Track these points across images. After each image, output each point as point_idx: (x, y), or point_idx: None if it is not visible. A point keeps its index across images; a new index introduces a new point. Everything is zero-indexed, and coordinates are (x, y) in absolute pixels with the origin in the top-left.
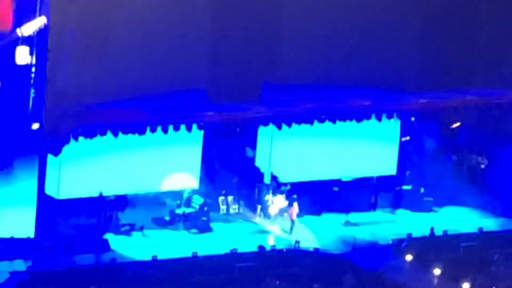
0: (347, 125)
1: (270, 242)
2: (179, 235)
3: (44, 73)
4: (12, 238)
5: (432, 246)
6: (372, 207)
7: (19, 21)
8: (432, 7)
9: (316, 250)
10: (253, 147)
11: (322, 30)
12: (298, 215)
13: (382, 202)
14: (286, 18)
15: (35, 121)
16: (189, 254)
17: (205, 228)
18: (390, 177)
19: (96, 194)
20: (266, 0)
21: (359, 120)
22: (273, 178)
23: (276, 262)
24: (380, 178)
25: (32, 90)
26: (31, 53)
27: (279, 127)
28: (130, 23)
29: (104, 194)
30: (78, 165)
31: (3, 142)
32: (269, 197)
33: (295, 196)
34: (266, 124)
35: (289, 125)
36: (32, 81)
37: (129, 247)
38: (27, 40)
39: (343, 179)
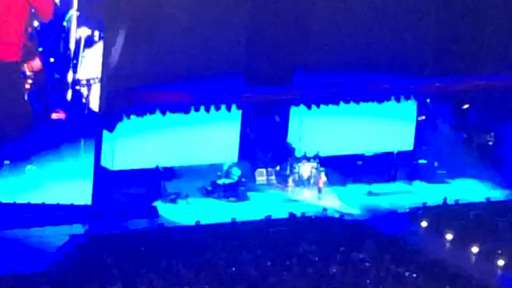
0: (369, 106)
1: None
2: (220, 203)
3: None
4: (71, 205)
5: (444, 214)
6: (392, 178)
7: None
8: (448, 3)
9: (342, 216)
10: (286, 126)
11: (348, 23)
12: (326, 185)
13: (401, 174)
14: (315, 11)
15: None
16: (228, 220)
17: (242, 197)
18: (407, 152)
19: (146, 166)
20: None
21: (380, 101)
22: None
23: (305, 227)
24: (399, 153)
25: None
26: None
27: (309, 108)
28: (175, 15)
29: (154, 166)
30: (130, 140)
31: (65, 120)
32: (300, 169)
33: (322, 168)
34: (297, 104)
35: (318, 105)
36: None
37: (175, 213)
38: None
39: (366, 154)
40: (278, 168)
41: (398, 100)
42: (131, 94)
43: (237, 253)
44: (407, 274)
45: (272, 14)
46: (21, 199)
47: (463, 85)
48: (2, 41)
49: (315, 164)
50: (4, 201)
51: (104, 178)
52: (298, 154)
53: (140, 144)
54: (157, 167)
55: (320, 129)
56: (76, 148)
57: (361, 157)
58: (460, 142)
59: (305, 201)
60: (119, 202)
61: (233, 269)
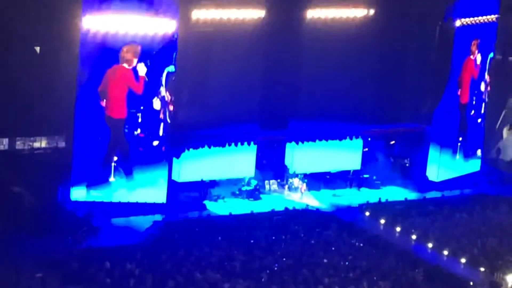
0: (334, 142)
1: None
2: (243, 201)
3: (169, 113)
4: (154, 203)
5: (380, 207)
6: (348, 186)
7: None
8: (381, 78)
9: (318, 209)
10: (283, 154)
11: (320, 95)
12: (307, 190)
13: (353, 183)
14: (301, 88)
15: (165, 141)
16: (249, 212)
17: (257, 198)
18: (357, 170)
19: (199, 179)
20: (288, 74)
21: (340, 139)
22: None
23: (295, 215)
24: (353, 171)
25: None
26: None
27: (297, 143)
28: (214, 84)
29: (203, 179)
30: (189, 163)
31: (151, 153)
32: (291, 180)
33: (305, 180)
34: (290, 141)
35: (303, 142)
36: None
37: (216, 208)
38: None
39: (332, 171)
40: (279, 180)
41: (351, 138)
42: (189, 135)
43: (253, 232)
44: (356, 244)
45: (275, 87)
46: (124, 199)
47: (391, 130)
48: (113, 107)
49: (300, 177)
50: (114, 201)
51: (173, 186)
52: (290, 171)
53: (195, 165)
54: (205, 179)
55: (304, 156)
56: (157, 168)
57: (328, 173)
58: (389, 164)
59: (294, 200)
60: (182, 201)
61: (251, 241)
